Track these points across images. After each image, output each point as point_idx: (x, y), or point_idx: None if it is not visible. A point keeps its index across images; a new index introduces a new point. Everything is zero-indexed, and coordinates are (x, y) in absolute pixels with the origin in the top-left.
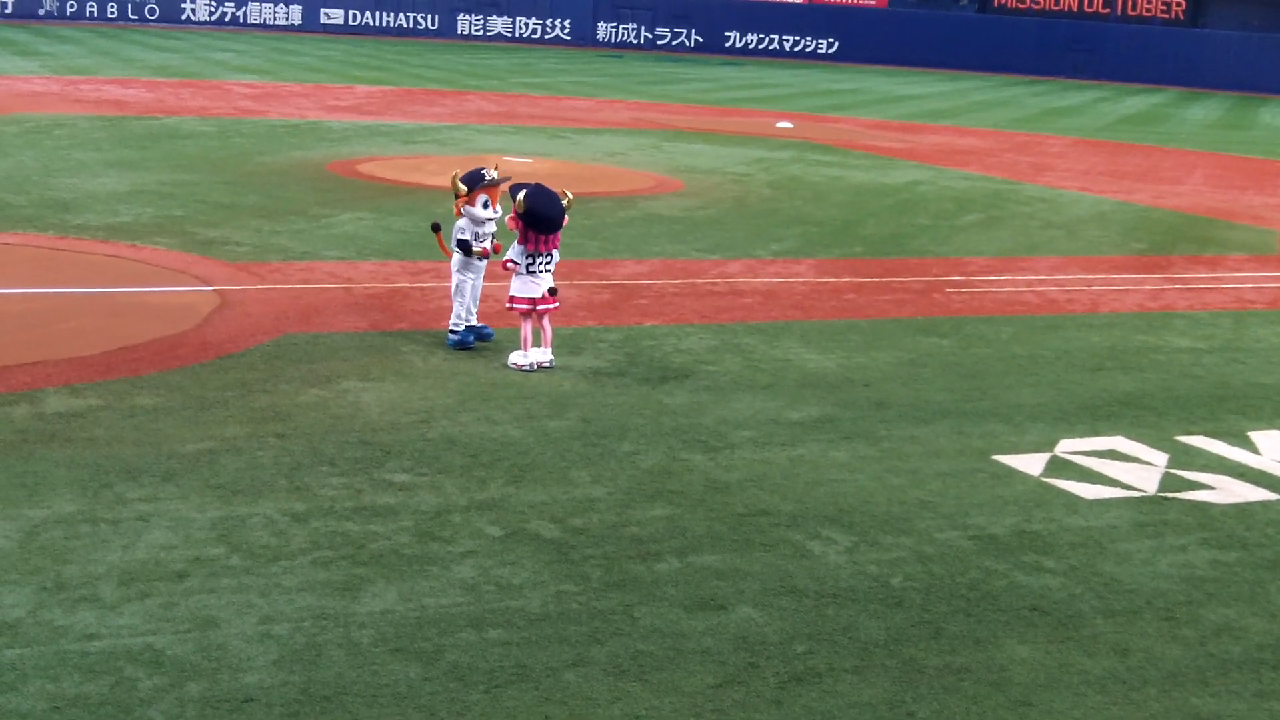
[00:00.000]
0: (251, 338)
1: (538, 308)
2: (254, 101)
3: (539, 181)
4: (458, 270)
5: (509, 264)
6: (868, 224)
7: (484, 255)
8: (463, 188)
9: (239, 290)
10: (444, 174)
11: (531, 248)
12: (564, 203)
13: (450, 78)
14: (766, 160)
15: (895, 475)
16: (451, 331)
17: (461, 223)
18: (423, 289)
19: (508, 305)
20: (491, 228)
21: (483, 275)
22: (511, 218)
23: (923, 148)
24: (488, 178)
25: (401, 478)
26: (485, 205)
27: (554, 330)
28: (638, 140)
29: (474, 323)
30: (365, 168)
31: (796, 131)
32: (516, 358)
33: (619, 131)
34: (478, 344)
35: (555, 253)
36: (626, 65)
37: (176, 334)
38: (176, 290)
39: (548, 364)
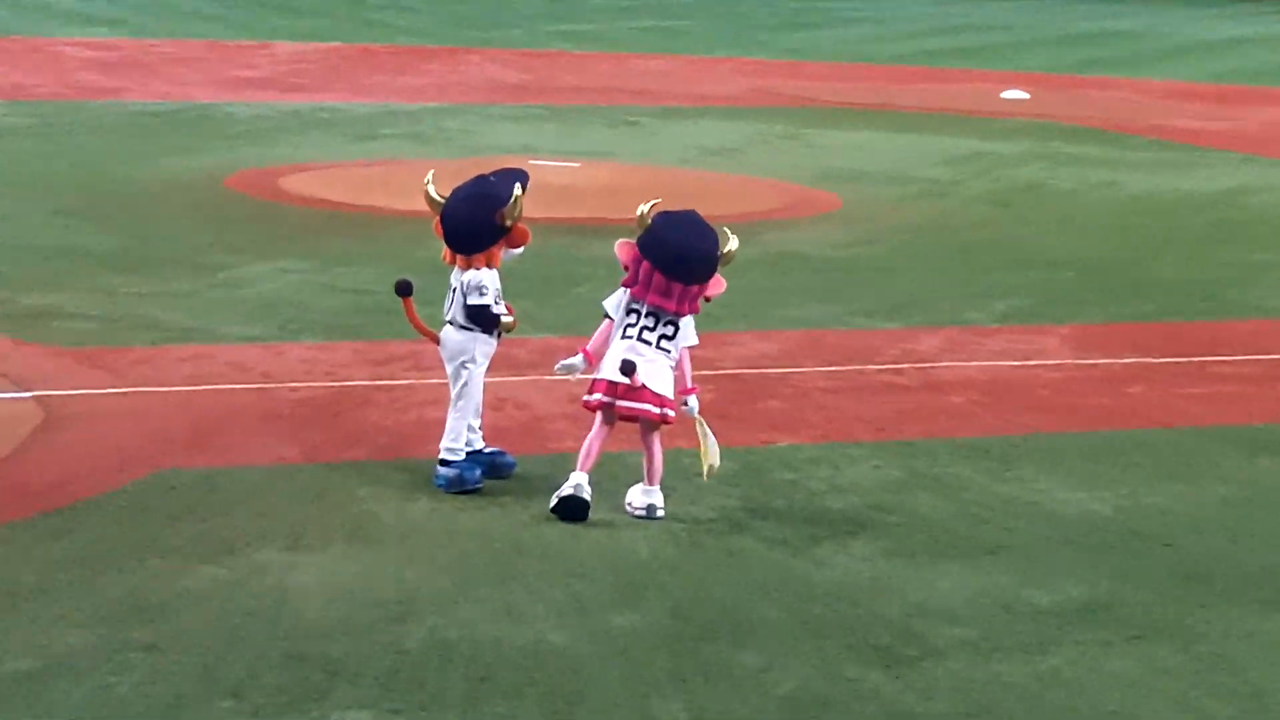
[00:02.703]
0: (102, 478)
1: (618, 403)
2: (102, 73)
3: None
4: (461, 357)
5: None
6: (1161, 263)
7: (513, 329)
8: (517, 209)
9: (79, 397)
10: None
11: (641, 295)
12: (724, 246)
13: (437, 28)
14: (983, 157)
15: (1224, 701)
16: (443, 463)
17: (485, 278)
18: (392, 389)
19: (584, 400)
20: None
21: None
22: (626, 243)
23: (1250, 128)
24: (516, 190)
25: (359, 718)
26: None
27: (619, 454)
28: (759, 126)
29: (480, 445)
30: (293, 183)
31: (1033, 105)
32: (645, 496)
33: (727, 112)
34: (489, 481)
35: (682, 322)
36: None
37: None
38: None
39: (641, 511)
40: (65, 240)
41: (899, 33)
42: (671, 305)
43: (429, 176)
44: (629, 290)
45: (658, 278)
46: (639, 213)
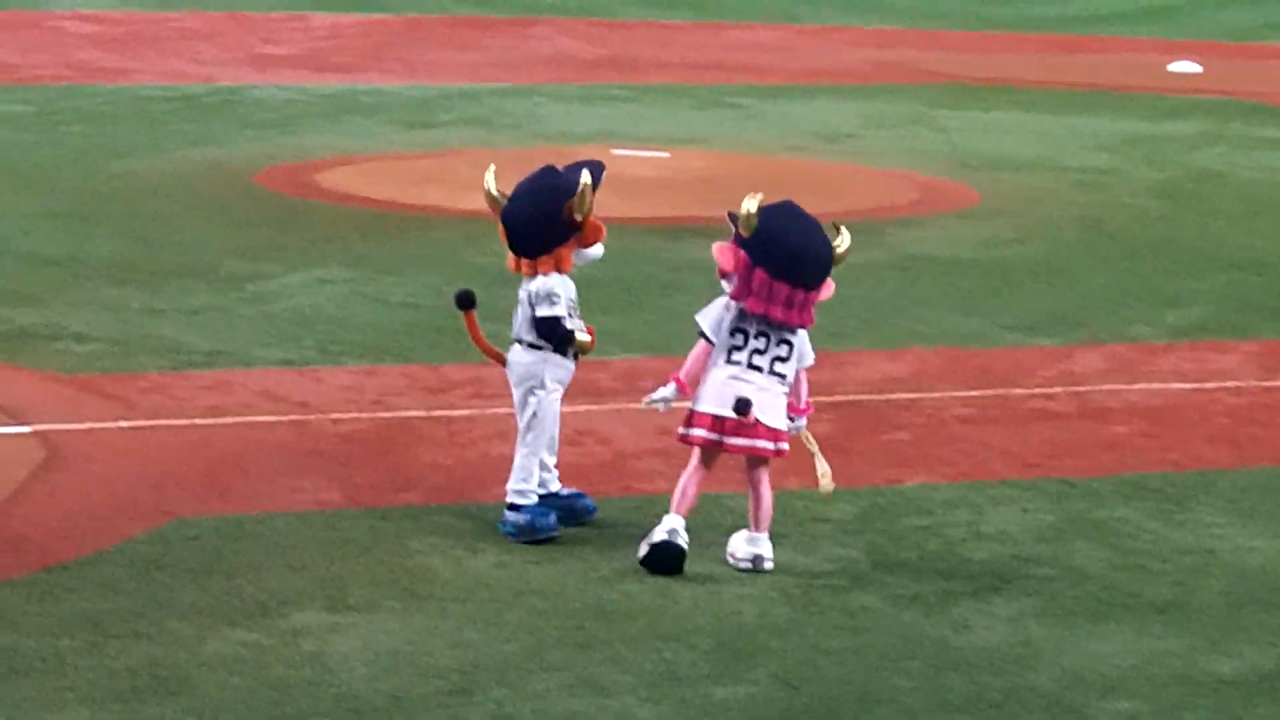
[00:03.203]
0: (111, 527)
1: (725, 441)
2: (106, 50)
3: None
4: (530, 382)
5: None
6: None
7: (590, 348)
8: (585, 201)
9: (84, 432)
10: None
11: (756, 308)
12: (836, 243)
13: None
14: (1148, 141)
15: None
16: (512, 507)
17: (554, 284)
18: (450, 421)
19: (682, 434)
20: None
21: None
22: (727, 246)
23: None
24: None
25: None
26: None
27: (719, 496)
28: (882, 107)
29: (555, 486)
30: (332, 179)
31: (1206, 80)
32: (750, 545)
33: (845, 90)
34: (566, 529)
35: (797, 339)
36: None
37: None
38: None
39: (747, 562)
40: (65, 247)
41: None
42: (795, 318)
43: (490, 172)
44: (738, 304)
45: (779, 286)
46: (744, 211)
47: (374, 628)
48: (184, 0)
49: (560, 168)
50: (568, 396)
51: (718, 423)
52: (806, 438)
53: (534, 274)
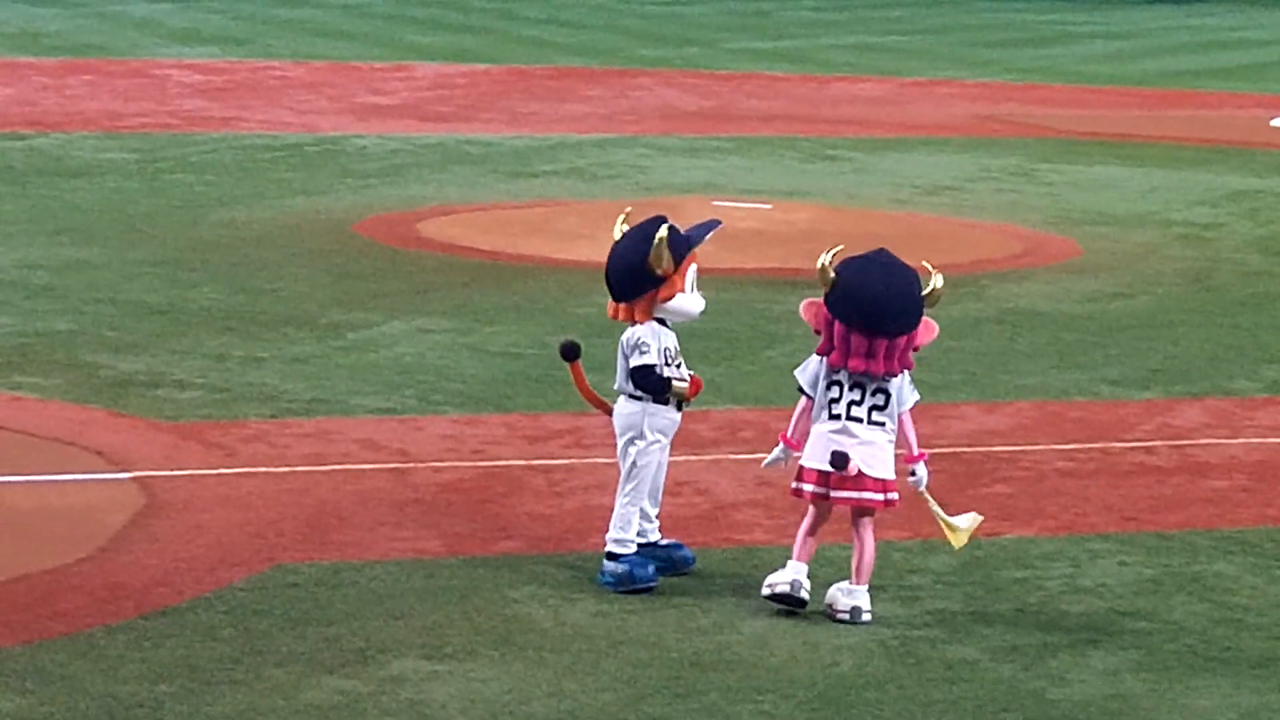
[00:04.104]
0: (210, 574)
1: (831, 495)
2: (210, 100)
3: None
4: (630, 432)
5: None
6: None
7: (691, 396)
8: (665, 259)
9: (184, 479)
10: (596, 235)
11: (836, 360)
12: (925, 286)
13: (602, 43)
14: (1251, 196)
15: None
16: (610, 556)
17: (643, 334)
18: (550, 470)
19: (794, 488)
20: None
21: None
22: (811, 302)
23: None
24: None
25: None
26: (693, 287)
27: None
28: (985, 161)
29: (655, 536)
30: (434, 228)
31: None
32: (848, 598)
33: (949, 143)
34: (665, 580)
35: (894, 386)
36: (960, 8)
37: (58, 567)
38: (58, 479)
39: (845, 614)
40: (168, 295)
41: (1149, 49)
42: (879, 367)
43: (621, 218)
44: (825, 359)
45: (856, 338)
46: (820, 265)
47: (471, 676)
48: (288, 51)
49: (674, 224)
50: (671, 447)
51: (823, 477)
52: (926, 497)
53: (630, 319)
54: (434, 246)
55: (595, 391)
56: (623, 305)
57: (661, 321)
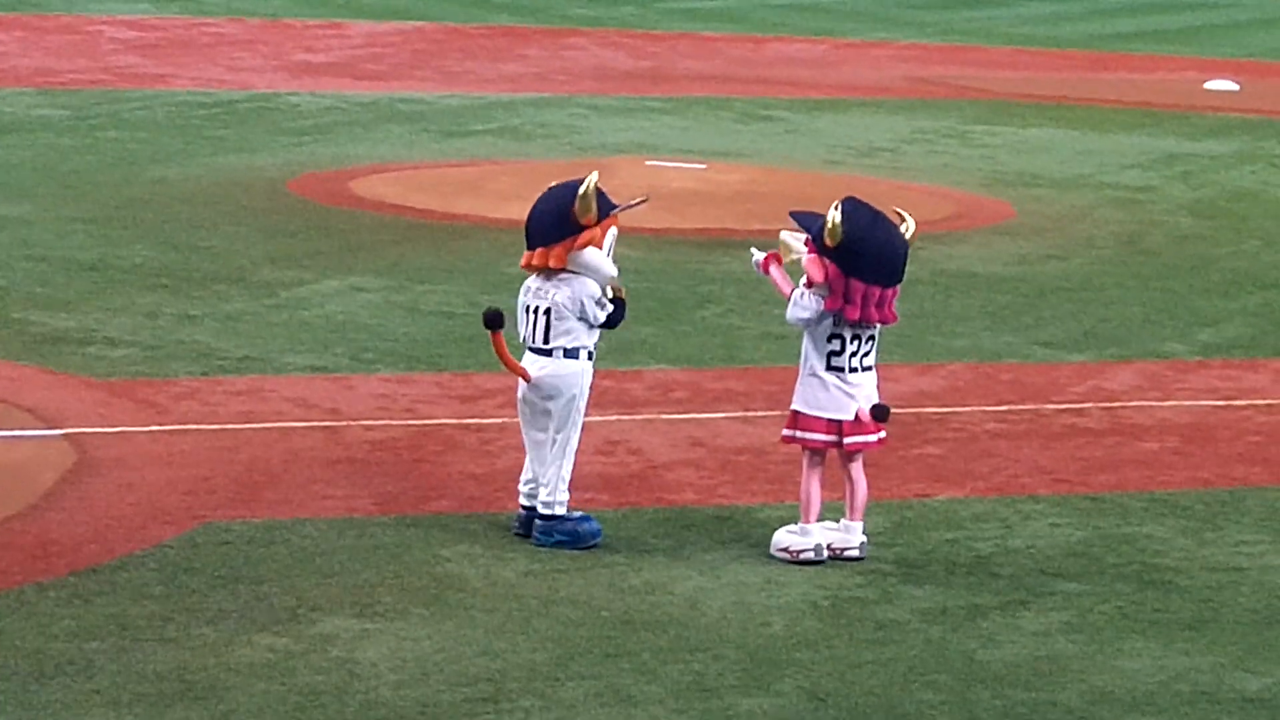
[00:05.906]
0: (141, 531)
1: (845, 441)
2: (142, 56)
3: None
4: (572, 390)
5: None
6: None
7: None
8: (591, 208)
9: (116, 437)
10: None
11: (855, 315)
12: (904, 230)
13: (537, 2)
14: (1184, 159)
15: None
16: (550, 518)
17: (575, 289)
18: (482, 429)
19: (785, 435)
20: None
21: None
22: (814, 259)
23: None
24: (621, 204)
25: None
26: (610, 251)
27: (740, 509)
28: (919, 123)
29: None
30: (368, 187)
31: (1244, 99)
32: (788, 538)
33: (882, 105)
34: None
35: (874, 337)
36: None
37: None
38: None
39: (854, 550)
40: (100, 252)
41: (1084, 12)
42: (889, 315)
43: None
44: (836, 314)
45: (872, 290)
46: (830, 222)
47: (402, 635)
48: (222, 7)
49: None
50: (599, 407)
51: (832, 426)
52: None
53: (545, 267)
54: (367, 205)
55: (515, 358)
56: (538, 251)
57: None
